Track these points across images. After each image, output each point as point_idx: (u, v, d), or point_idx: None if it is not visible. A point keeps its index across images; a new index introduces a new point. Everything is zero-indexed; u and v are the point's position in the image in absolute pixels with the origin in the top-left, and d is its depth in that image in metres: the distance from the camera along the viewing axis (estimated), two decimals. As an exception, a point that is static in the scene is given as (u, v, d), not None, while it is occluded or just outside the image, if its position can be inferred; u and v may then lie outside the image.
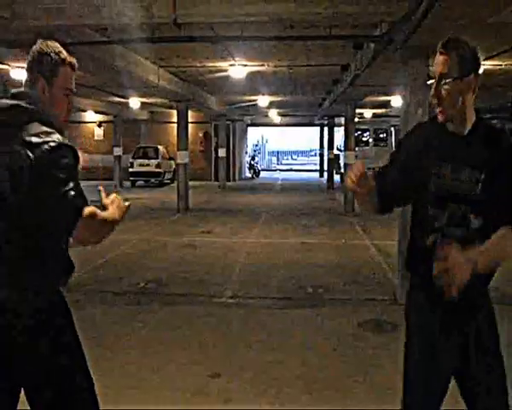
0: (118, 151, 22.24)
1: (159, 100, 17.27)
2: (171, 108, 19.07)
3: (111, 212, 2.01)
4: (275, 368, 4.32)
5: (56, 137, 1.92)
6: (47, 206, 1.89)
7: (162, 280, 7.05)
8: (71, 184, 1.87)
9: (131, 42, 7.42)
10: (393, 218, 7.69)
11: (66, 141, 1.95)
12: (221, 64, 10.62)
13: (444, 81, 2.04)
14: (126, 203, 2.08)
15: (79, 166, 2.00)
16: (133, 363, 4.40)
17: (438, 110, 2.10)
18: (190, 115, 16.92)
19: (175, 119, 15.74)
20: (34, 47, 2.07)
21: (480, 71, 2.08)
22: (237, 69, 10.68)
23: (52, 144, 1.89)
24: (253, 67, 10.82)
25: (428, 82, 6.15)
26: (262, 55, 9.76)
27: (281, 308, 5.94)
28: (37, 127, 1.93)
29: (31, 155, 1.86)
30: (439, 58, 2.05)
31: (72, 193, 1.87)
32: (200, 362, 4.41)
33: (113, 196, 2.08)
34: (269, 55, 9.77)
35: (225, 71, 11.16)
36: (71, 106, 2.16)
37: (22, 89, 2.06)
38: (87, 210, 1.88)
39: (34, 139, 1.89)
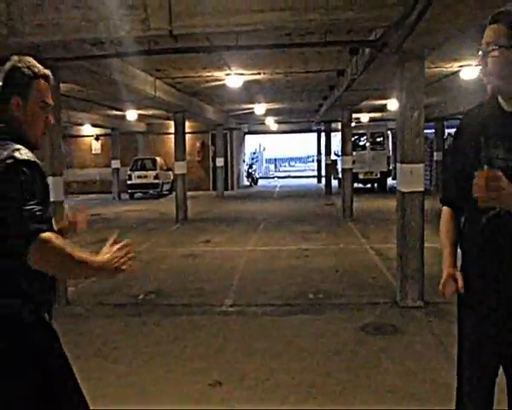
0: (116, 164, 22.28)
1: (156, 111, 17.33)
2: (168, 119, 19.14)
3: (99, 256, 1.87)
4: (277, 375, 4.32)
5: (17, 153, 1.84)
6: (4, 228, 1.76)
7: (162, 291, 7.05)
8: (28, 204, 1.75)
9: (128, 55, 7.46)
10: (392, 222, 7.70)
11: (30, 157, 1.87)
12: (217, 74, 10.68)
13: (491, 49, 1.94)
14: (128, 258, 1.94)
15: (45, 183, 1.91)
16: (134, 374, 4.40)
17: (486, 84, 2.00)
18: (187, 125, 16.99)
19: (172, 129, 15.79)
20: (6, 64, 2.02)
21: None
22: (233, 78, 10.73)
23: (8, 162, 1.81)
24: (250, 75, 10.88)
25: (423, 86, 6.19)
26: (258, 64, 9.81)
27: (282, 315, 5.95)
28: (1, 146, 1.88)
29: None
30: (488, 29, 1.96)
31: (27, 214, 1.73)
32: (202, 371, 4.41)
33: (119, 244, 1.93)
34: (265, 64, 9.82)
35: (221, 80, 11.21)
36: (49, 119, 2.10)
37: None
38: (44, 236, 1.72)
39: None
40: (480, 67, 2.02)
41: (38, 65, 2.06)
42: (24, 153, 1.86)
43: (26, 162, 1.84)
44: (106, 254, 1.89)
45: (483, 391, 2.14)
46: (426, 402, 3.78)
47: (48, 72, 2.09)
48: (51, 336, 2.05)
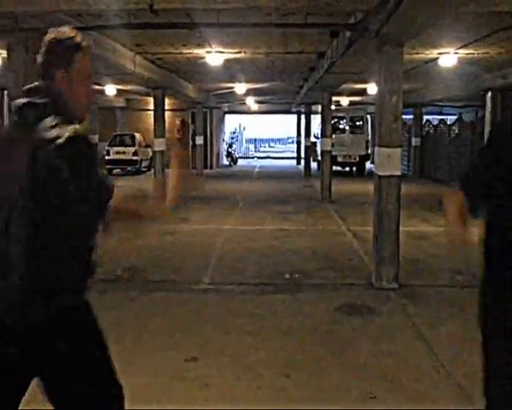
0: (94, 139, 22.00)
1: (135, 87, 17.12)
2: (147, 95, 18.91)
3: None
4: (252, 352, 4.38)
5: (68, 130, 1.80)
6: (70, 203, 1.80)
7: (139, 267, 7.05)
8: (93, 178, 1.84)
9: (107, 28, 7.36)
10: (370, 205, 7.79)
11: (80, 131, 1.84)
12: (198, 51, 10.58)
13: None
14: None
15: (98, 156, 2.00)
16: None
17: None
18: (167, 103, 16.81)
19: (152, 106, 15.63)
20: (47, 37, 1.96)
21: None
22: (214, 56, 10.66)
23: (61, 141, 1.76)
24: (230, 54, 10.80)
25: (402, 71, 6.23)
26: (239, 43, 9.75)
27: (258, 294, 6.00)
28: (49, 122, 1.82)
29: (40, 155, 1.76)
30: None
31: (101, 182, 1.88)
32: (177, 348, 4.45)
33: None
34: (246, 43, 9.77)
35: (202, 58, 11.12)
36: (91, 90, 2.08)
37: (35, 83, 1.93)
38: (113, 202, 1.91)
39: (46, 135, 1.77)
40: None
41: (78, 36, 2.01)
42: (77, 127, 1.85)
43: (80, 138, 1.83)
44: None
45: None
46: (397, 381, 3.88)
47: (87, 43, 2.05)
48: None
